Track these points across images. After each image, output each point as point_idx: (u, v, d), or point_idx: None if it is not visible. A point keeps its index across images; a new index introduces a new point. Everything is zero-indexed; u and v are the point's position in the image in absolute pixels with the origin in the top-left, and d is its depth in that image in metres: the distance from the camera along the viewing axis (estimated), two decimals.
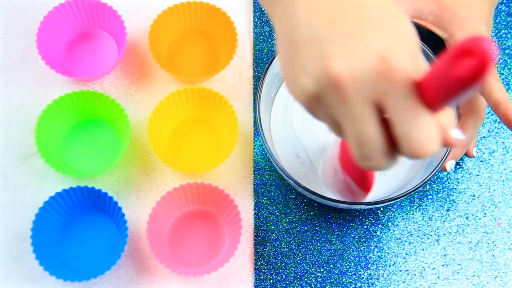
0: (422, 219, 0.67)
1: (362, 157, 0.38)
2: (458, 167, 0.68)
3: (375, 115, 0.36)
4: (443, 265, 0.65)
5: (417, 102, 0.35)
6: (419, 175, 0.63)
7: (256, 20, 0.74)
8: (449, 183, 0.68)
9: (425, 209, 0.67)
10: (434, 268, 0.65)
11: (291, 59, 0.39)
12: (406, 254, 0.66)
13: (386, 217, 0.67)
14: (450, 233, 0.66)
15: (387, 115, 0.36)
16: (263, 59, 0.72)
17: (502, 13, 0.73)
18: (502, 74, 0.71)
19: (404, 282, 0.65)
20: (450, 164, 0.62)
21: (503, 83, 0.69)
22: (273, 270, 0.65)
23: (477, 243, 0.66)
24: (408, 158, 0.36)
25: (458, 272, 0.65)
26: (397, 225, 0.67)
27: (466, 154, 0.65)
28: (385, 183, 0.64)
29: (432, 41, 0.71)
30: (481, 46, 0.31)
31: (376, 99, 0.36)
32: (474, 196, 0.67)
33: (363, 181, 0.52)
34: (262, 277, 0.65)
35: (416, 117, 0.35)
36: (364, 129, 0.36)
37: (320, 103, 0.38)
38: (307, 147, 0.65)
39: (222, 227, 0.66)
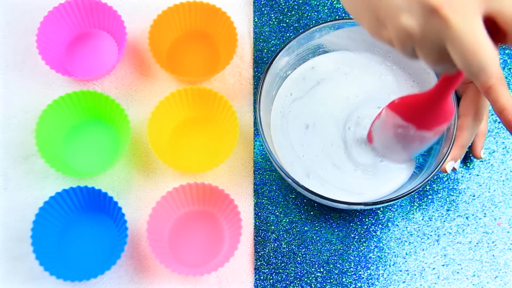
0: (422, 219, 0.67)
1: (477, 69, 0.39)
2: (463, 166, 0.68)
3: (482, 24, 0.39)
4: (443, 265, 0.65)
5: None
6: (419, 175, 0.63)
7: (256, 20, 0.74)
8: (449, 183, 0.68)
9: (425, 209, 0.67)
10: (434, 268, 0.65)
11: (377, 7, 0.41)
12: (406, 254, 0.66)
13: (386, 217, 0.67)
14: (450, 233, 0.66)
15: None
16: (263, 59, 0.72)
17: None
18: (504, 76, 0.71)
19: (404, 282, 0.65)
20: (450, 166, 0.62)
21: None
22: (273, 270, 0.65)
23: (477, 243, 0.66)
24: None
25: (458, 272, 0.65)
26: (397, 225, 0.67)
27: (474, 156, 0.66)
28: (385, 183, 0.64)
29: None
30: None
31: (482, 9, 0.38)
32: (474, 196, 0.67)
33: (435, 117, 0.55)
34: (262, 277, 0.65)
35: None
36: (476, 40, 0.38)
37: (424, 37, 0.40)
38: (307, 147, 0.65)
39: (222, 227, 0.66)
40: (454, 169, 0.63)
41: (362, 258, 0.66)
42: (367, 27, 0.44)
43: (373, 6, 0.42)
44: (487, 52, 0.38)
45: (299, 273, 0.65)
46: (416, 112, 0.56)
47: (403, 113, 0.57)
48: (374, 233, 0.66)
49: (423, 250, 0.66)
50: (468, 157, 0.68)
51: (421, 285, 0.65)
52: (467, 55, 0.39)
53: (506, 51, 0.72)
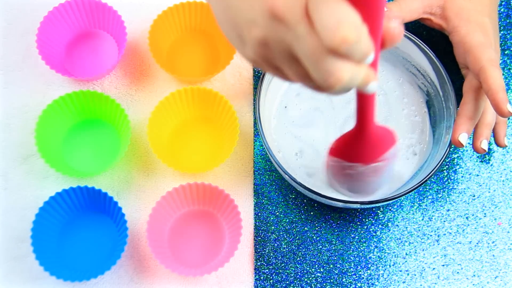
0: (422, 219, 0.67)
1: (323, 73, 0.38)
2: (463, 166, 0.68)
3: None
4: (443, 265, 0.65)
5: None
6: (419, 174, 0.63)
7: None
8: (449, 183, 0.68)
9: (425, 209, 0.67)
10: (434, 268, 0.65)
11: (235, 23, 0.41)
12: (406, 254, 0.66)
13: (386, 217, 0.67)
14: (450, 233, 0.66)
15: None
16: None
17: (501, 14, 0.73)
18: (502, 74, 0.71)
19: (404, 282, 0.65)
20: (463, 137, 0.59)
21: None
22: (273, 270, 0.65)
23: (477, 243, 0.66)
24: (333, 48, 0.36)
25: (458, 272, 0.65)
26: (397, 225, 0.67)
27: (498, 144, 0.65)
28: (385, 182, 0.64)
29: (432, 42, 0.71)
30: None
31: (304, 9, 0.37)
32: (474, 196, 0.67)
33: (375, 147, 0.53)
34: (262, 277, 0.65)
35: (329, 6, 0.36)
36: (312, 43, 0.37)
37: (271, 46, 0.39)
38: (307, 146, 0.65)
39: (222, 227, 0.66)
40: (483, 151, 0.62)
41: (362, 258, 0.66)
42: (236, 47, 0.43)
43: (233, 23, 0.41)
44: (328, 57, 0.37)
45: (299, 273, 0.65)
46: (354, 149, 0.53)
47: (344, 155, 0.54)
48: (374, 233, 0.66)
49: (423, 250, 0.66)
50: (468, 158, 0.68)
51: (421, 285, 0.65)
52: (312, 60, 0.38)
53: (506, 52, 0.72)
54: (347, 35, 0.36)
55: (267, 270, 0.65)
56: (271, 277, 0.65)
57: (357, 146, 0.52)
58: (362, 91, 0.41)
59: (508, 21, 0.73)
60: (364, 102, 0.46)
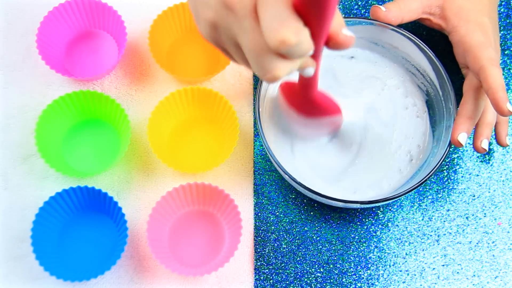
0: (422, 219, 0.67)
1: (261, 69, 0.41)
2: (463, 166, 0.68)
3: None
4: (443, 265, 0.65)
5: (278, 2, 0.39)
6: (419, 174, 0.63)
7: None
8: (449, 183, 0.68)
9: (425, 209, 0.67)
10: (434, 268, 0.65)
11: (196, 5, 0.45)
12: (406, 254, 0.66)
13: (386, 217, 0.67)
14: (450, 233, 0.66)
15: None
16: None
17: (501, 14, 0.73)
18: (502, 74, 0.71)
19: (404, 282, 0.65)
20: (463, 137, 0.60)
21: None
22: (273, 270, 0.65)
23: (477, 243, 0.66)
24: (273, 48, 0.39)
25: (458, 272, 0.65)
26: (397, 225, 0.67)
27: (500, 144, 0.66)
28: (385, 182, 0.64)
29: (432, 42, 0.71)
30: None
31: (253, 5, 0.40)
32: (474, 196, 0.67)
33: (311, 108, 0.59)
34: (262, 277, 0.65)
35: (274, 7, 0.38)
36: (255, 39, 0.40)
37: (219, 30, 0.43)
38: (307, 146, 0.65)
39: (222, 227, 0.66)
40: (484, 151, 0.63)
41: (362, 258, 0.66)
42: (197, 27, 0.47)
43: (193, 2, 0.45)
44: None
45: (299, 273, 0.65)
46: (295, 98, 0.59)
47: (287, 97, 0.61)
48: (374, 233, 0.66)
49: (423, 250, 0.66)
50: (468, 158, 0.68)
51: (421, 285, 0.65)
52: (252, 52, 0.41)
53: (506, 52, 0.72)
54: (287, 37, 0.38)
55: (267, 270, 0.65)
56: (271, 277, 0.65)
57: (299, 99, 0.58)
58: (303, 74, 0.45)
59: (508, 21, 0.73)
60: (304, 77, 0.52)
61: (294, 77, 0.55)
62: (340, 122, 0.63)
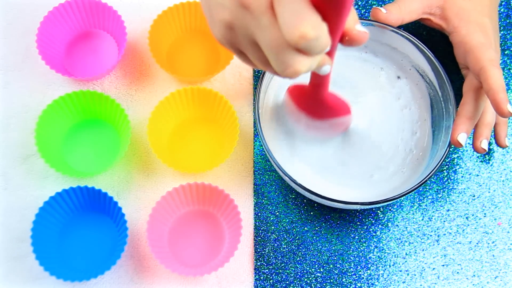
0: (422, 219, 0.67)
1: (281, 64, 0.41)
2: (464, 166, 0.68)
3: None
4: (443, 265, 0.65)
5: None
6: (419, 174, 0.63)
7: None
8: (449, 183, 0.68)
9: (425, 209, 0.67)
10: (434, 268, 0.65)
11: (207, 3, 0.44)
12: (406, 254, 0.66)
13: (386, 217, 0.67)
14: (450, 233, 0.66)
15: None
16: None
17: (501, 14, 0.73)
18: (502, 74, 0.71)
19: (404, 282, 0.65)
20: (462, 137, 0.60)
21: None
22: (273, 270, 0.65)
23: (477, 243, 0.66)
24: (292, 43, 0.39)
25: (458, 272, 0.65)
26: (397, 225, 0.67)
27: (499, 145, 0.66)
28: (385, 183, 0.64)
29: (432, 42, 0.71)
30: None
31: (270, 2, 0.40)
32: (474, 196, 0.67)
33: (322, 110, 0.59)
34: (262, 277, 0.65)
35: (292, 2, 0.38)
36: (274, 35, 0.40)
37: (236, 30, 0.43)
38: (307, 146, 0.65)
39: (222, 227, 0.66)
40: (484, 151, 0.63)
41: (362, 258, 0.66)
42: (209, 26, 0.46)
43: (207, 3, 0.45)
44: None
45: (299, 273, 0.65)
46: (304, 100, 0.59)
47: (296, 100, 0.60)
48: (374, 233, 0.66)
49: (423, 250, 0.66)
50: (468, 158, 0.68)
51: (421, 285, 0.65)
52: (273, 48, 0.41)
53: (506, 52, 0.72)
54: (306, 32, 0.38)
55: (267, 270, 0.65)
56: (271, 277, 0.65)
57: (308, 100, 0.59)
58: (319, 72, 0.45)
59: (508, 21, 0.73)
60: (318, 76, 0.52)
61: (302, 80, 0.55)
62: (349, 122, 0.63)
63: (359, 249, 0.66)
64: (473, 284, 0.65)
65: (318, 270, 0.65)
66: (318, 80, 0.54)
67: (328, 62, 0.44)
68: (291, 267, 0.65)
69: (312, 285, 0.65)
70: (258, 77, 0.71)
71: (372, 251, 0.66)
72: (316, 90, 0.56)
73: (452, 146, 0.62)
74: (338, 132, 0.64)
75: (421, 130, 0.65)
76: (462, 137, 0.59)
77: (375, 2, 0.74)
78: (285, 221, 0.67)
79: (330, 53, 0.45)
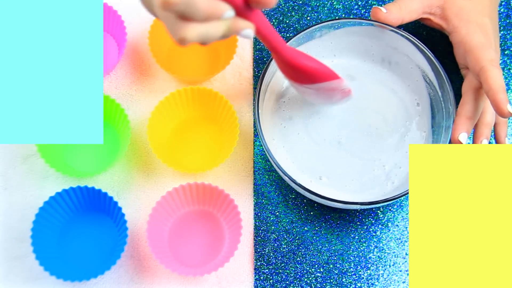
0: None
1: (170, 31, 0.44)
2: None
3: None
4: None
5: None
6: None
7: None
8: None
9: None
10: None
11: None
12: (406, 254, 0.66)
13: (386, 217, 0.67)
14: None
15: None
16: (263, 59, 0.72)
17: (501, 14, 0.73)
18: (502, 74, 0.71)
19: (404, 282, 0.65)
20: (463, 137, 0.60)
21: None
22: (273, 270, 0.65)
23: None
24: (162, 9, 0.41)
25: None
26: (397, 225, 0.67)
27: (498, 142, 0.66)
28: (385, 182, 0.64)
29: (432, 42, 0.71)
30: None
31: None
32: None
33: (297, 74, 0.59)
34: (262, 277, 0.65)
35: None
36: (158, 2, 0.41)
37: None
38: (306, 146, 0.65)
39: (222, 227, 0.66)
40: None
41: (362, 258, 0.66)
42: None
43: None
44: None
45: (299, 273, 0.65)
46: (279, 66, 0.59)
47: (278, 66, 0.60)
48: (374, 233, 0.66)
49: None
50: None
51: None
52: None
53: (506, 52, 0.72)
54: None
55: (267, 270, 0.65)
56: (271, 277, 0.65)
57: (280, 65, 0.58)
58: (241, 37, 0.46)
59: (508, 21, 0.73)
60: (260, 37, 0.52)
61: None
62: (342, 87, 0.62)
63: (359, 249, 0.66)
64: None
65: (318, 270, 0.65)
66: (266, 45, 0.54)
67: (245, 26, 0.45)
68: (291, 267, 0.65)
69: (312, 285, 0.65)
70: (258, 77, 0.71)
71: (372, 251, 0.66)
72: (275, 55, 0.56)
73: None
74: (338, 98, 0.64)
75: (421, 130, 0.65)
76: (463, 137, 0.59)
77: (375, 2, 0.74)
78: (285, 221, 0.67)
79: (249, 17, 0.45)
